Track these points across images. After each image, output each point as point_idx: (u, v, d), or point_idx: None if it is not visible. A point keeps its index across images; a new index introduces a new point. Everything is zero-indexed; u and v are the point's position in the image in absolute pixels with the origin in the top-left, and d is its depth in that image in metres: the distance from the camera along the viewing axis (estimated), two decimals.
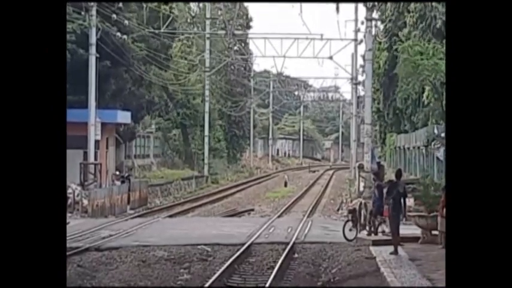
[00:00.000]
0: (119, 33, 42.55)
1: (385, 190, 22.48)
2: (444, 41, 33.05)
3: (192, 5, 73.55)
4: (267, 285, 17.39)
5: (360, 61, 61.78)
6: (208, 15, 64.56)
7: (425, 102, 44.24)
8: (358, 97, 66.00)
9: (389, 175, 32.66)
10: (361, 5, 42.82)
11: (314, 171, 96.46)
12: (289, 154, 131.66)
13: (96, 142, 40.40)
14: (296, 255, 22.55)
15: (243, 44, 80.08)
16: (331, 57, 53.98)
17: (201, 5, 71.89)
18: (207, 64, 65.93)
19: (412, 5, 47.06)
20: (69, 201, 35.13)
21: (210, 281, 17.40)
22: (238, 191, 60.05)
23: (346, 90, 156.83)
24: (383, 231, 23.97)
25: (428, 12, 42.24)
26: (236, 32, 59.67)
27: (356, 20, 57.73)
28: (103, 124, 41.01)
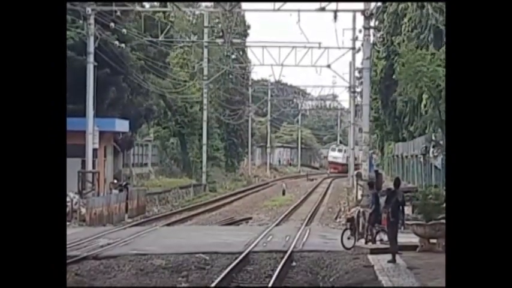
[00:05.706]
0: (117, 42, 42.53)
1: (383, 198, 22.50)
2: (442, 48, 33.19)
3: (190, 11, 73.58)
4: None
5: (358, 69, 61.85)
6: (206, 24, 64.61)
7: (423, 111, 44.30)
8: (356, 105, 66.03)
9: (388, 183, 32.67)
10: (358, 14, 42.83)
11: (312, 180, 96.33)
12: (289, 163, 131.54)
13: (94, 151, 40.36)
14: (294, 264, 22.53)
15: (241, 53, 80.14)
16: (329, 66, 53.95)
17: (198, 12, 71.91)
18: (205, 73, 65.98)
19: (409, 12, 47.18)
20: (67, 209, 35.04)
21: None
22: (236, 200, 59.97)
23: (344, 99, 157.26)
24: (381, 240, 23.95)
25: (426, 20, 42.32)
26: (234, 40, 59.66)
27: (354, 29, 57.89)
28: (101, 133, 40.98)
